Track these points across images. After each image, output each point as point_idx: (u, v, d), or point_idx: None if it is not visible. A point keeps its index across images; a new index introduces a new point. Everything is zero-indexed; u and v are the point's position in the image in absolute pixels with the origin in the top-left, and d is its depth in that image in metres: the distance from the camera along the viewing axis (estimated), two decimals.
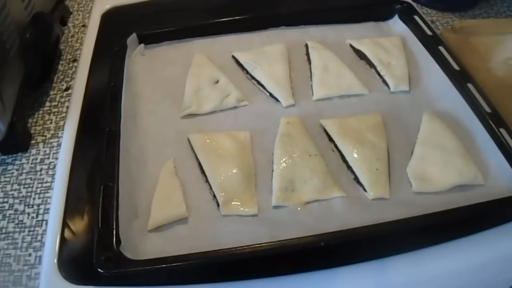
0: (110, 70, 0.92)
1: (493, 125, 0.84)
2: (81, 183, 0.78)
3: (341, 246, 0.70)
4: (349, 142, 0.83)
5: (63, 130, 0.90)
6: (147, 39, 1.03)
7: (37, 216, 0.83)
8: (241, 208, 0.75)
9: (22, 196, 0.87)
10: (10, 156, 0.93)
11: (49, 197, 0.85)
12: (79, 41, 1.18)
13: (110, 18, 1.10)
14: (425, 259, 0.70)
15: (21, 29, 0.92)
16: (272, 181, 0.79)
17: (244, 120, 0.90)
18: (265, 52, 0.99)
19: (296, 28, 1.08)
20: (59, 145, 0.93)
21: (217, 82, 0.94)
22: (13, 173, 0.90)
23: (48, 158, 0.92)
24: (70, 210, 0.75)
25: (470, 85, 0.90)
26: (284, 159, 0.80)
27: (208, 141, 0.83)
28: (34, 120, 0.99)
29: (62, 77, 1.09)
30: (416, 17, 1.06)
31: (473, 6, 1.30)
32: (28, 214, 0.84)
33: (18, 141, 0.92)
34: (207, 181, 0.79)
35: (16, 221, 0.83)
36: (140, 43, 1.02)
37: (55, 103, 1.03)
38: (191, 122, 0.89)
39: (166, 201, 0.76)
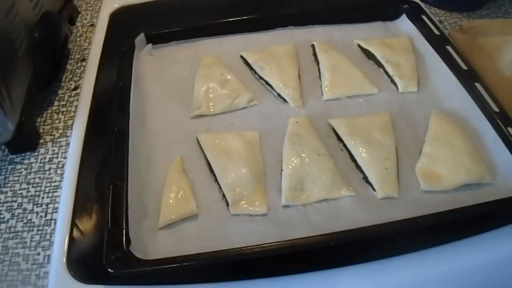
0: (118, 69, 0.92)
1: (501, 124, 0.84)
2: (89, 182, 0.79)
3: (350, 245, 0.70)
4: (358, 142, 0.83)
5: (71, 129, 0.91)
6: (155, 39, 1.03)
7: (45, 215, 0.84)
8: (251, 208, 0.76)
9: (31, 195, 0.87)
10: (18, 155, 0.93)
11: (58, 196, 0.85)
12: (87, 40, 1.18)
13: (118, 17, 1.10)
14: (433, 258, 0.70)
15: (29, 28, 0.92)
16: (281, 180, 0.79)
17: (252, 120, 0.90)
18: (274, 52, 0.99)
19: (303, 28, 1.08)
20: (67, 144, 0.93)
21: (226, 82, 0.93)
22: (21, 172, 0.90)
23: (57, 157, 0.92)
24: (78, 209, 0.75)
25: (478, 85, 0.90)
26: (293, 159, 0.80)
27: (217, 141, 0.83)
28: (43, 119, 1.00)
29: (70, 76, 1.09)
30: (424, 17, 1.06)
31: (481, 6, 1.30)
32: (37, 213, 0.84)
33: (26, 140, 0.92)
34: (216, 180, 0.79)
35: (25, 220, 0.83)
36: (148, 43, 1.02)
37: (64, 103, 1.03)
38: (200, 122, 0.89)
39: (176, 198, 0.76)
